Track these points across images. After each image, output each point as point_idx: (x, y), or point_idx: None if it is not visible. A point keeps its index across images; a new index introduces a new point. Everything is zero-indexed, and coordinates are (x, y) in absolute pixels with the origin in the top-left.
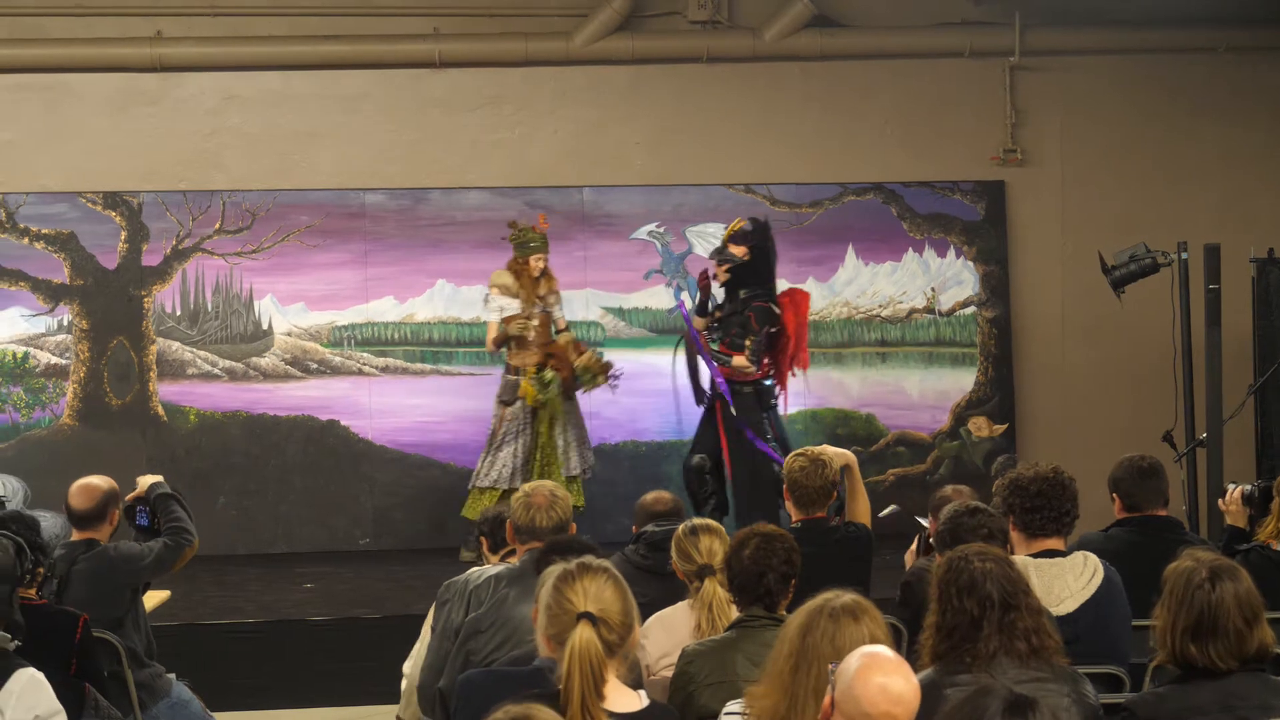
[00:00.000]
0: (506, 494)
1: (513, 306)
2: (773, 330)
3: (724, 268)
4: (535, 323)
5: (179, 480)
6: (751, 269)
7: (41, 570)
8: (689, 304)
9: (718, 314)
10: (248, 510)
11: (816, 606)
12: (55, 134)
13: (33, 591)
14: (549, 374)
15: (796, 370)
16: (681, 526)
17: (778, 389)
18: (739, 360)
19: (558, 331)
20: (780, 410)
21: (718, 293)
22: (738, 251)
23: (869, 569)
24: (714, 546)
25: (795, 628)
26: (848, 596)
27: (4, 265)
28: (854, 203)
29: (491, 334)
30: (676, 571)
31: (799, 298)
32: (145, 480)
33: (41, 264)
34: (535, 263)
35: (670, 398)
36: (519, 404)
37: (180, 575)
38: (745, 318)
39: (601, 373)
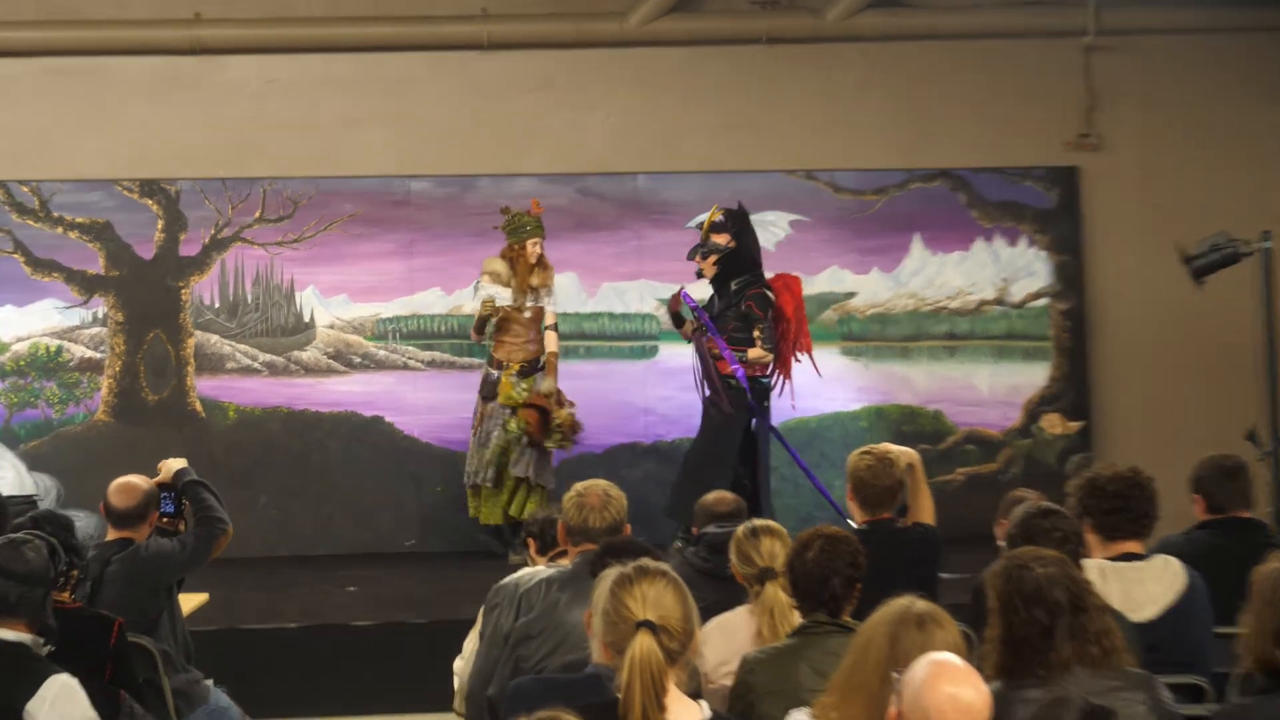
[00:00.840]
0: (477, 490)
1: (504, 296)
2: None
3: (710, 260)
4: (525, 312)
5: (217, 479)
6: (737, 257)
7: (75, 573)
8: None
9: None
10: (289, 510)
11: (898, 615)
12: (90, 119)
13: (66, 595)
14: (514, 424)
15: (800, 355)
16: (741, 528)
17: (777, 382)
18: (755, 353)
19: (545, 327)
20: (786, 402)
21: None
22: (721, 240)
23: (937, 573)
24: (775, 549)
25: (883, 636)
26: (922, 603)
27: (37, 255)
28: (920, 190)
29: (477, 324)
30: (736, 575)
31: (790, 281)
32: (170, 465)
33: (76, 254)
34: (532, 248)
35: None
36: (496, 401)
37: (219, 577)
38: (745, 309)
39: (569, 436)
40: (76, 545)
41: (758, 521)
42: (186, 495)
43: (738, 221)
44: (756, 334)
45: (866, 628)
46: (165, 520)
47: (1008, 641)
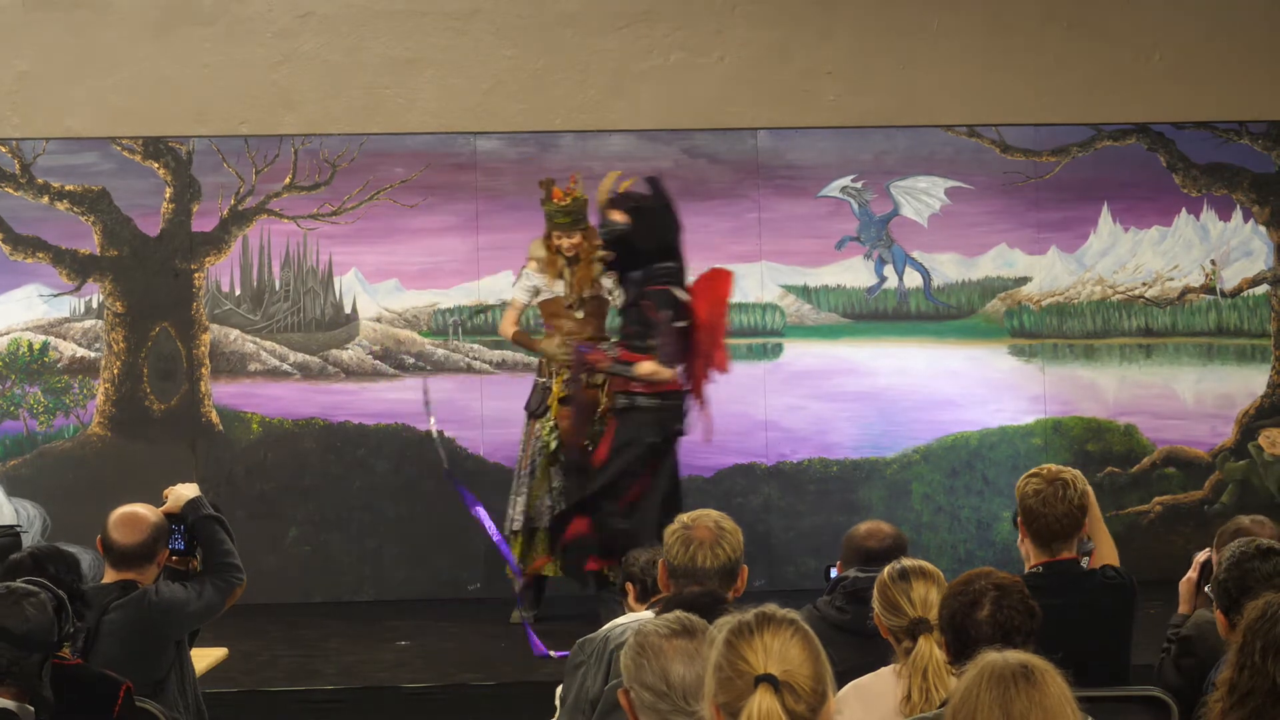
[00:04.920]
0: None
1: (548, 290)
2: (680, 324)
3: (602, 244)
4: (575, 309)
5: (238, 507)
6: (634, 241)
7: (81, 623)
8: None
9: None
10: (326, 546)
11: (997, 674)
12: (83, 64)
13: (66, 650)
14: (548, 424)
15: (715, 374)
16: (886, 570)
17: (690, 405)
18: (646, 367)
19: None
20: (690, 433)
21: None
22: (618, 218)
23: (1131, 628)
24: (930, 595)
25: (992, 706)
26: (1016, 652)
27: (18, 231)
28: (1110, 149)
29: (510, 318)
30: (880, 627)
31: (718, 279)
32: (180, 493)
33: (65, 229)
34: (557, 240)
35: (867, 403)
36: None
37: (240, 629)
38: (641, 310)
39: None
40: (84, 593)
41: (907, 561)
42: (198, 532)
43: (640, 196)
44: (651, 343)
45: (961, 698)
46: (175, 559)
47: (1235, 689)
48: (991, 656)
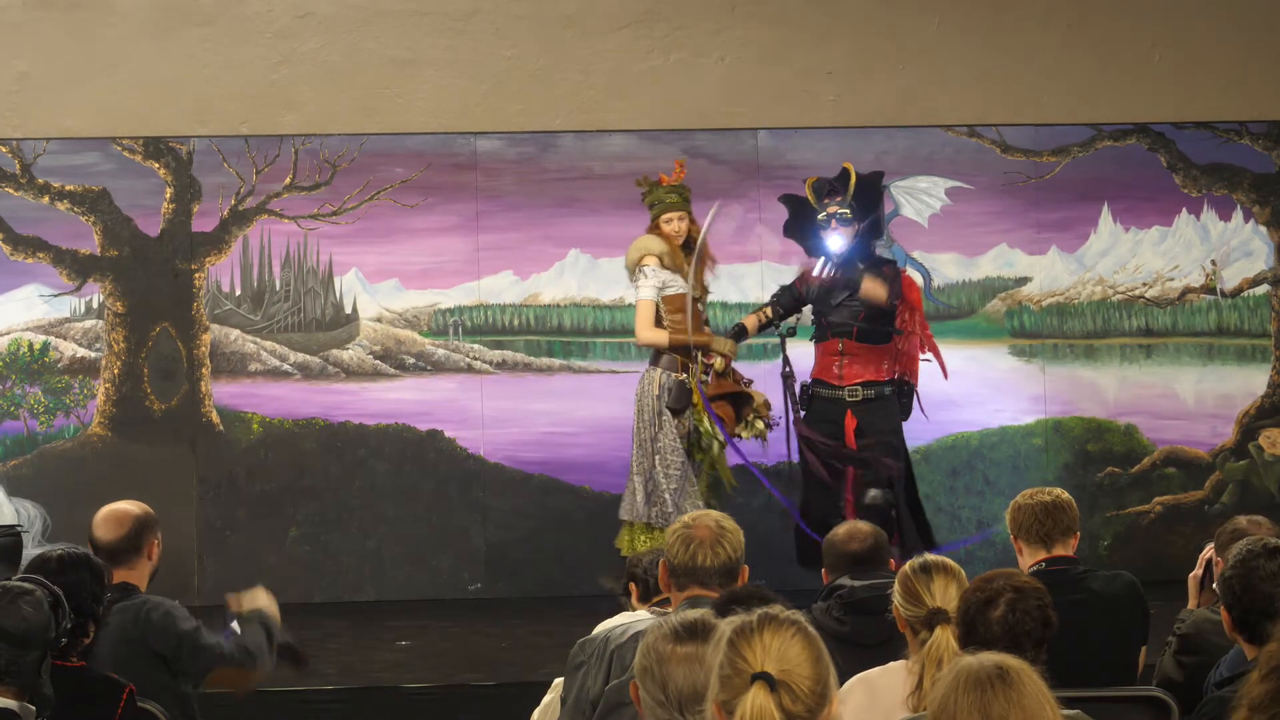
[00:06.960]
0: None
1: (676, 284)
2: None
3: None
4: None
5: (238, 507)
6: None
7: (91, 637)
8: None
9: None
10: (326, 546)
11: (974, 678)
12: (83, 64)
13: (74, 659)
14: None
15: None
16: (910, 563)
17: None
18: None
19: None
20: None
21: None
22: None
23: (1134, 626)
24: (950, 591)
25: (970, 709)
26: (990, 654)
27: (18, 231)
28: (1110, 149)
29: (650, 320)
30: (897, 619)
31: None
32: (251, 599)
33: (65, 229)
34: (666, 225)
35: None
36: (692, 411)
37: None
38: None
39: (765, 416)
40: (96, 612)
41: (931, 556)
42: (243, 625)
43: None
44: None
45: (940, 705)
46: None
47: (1258, 697)
48: (966, 660)
